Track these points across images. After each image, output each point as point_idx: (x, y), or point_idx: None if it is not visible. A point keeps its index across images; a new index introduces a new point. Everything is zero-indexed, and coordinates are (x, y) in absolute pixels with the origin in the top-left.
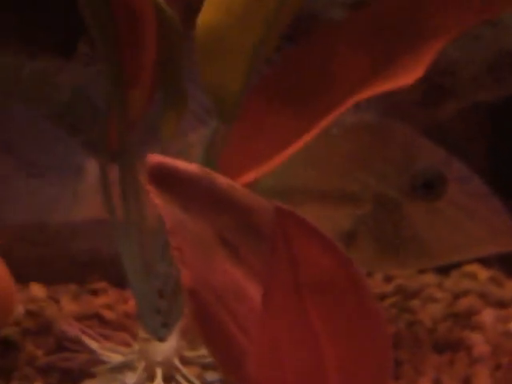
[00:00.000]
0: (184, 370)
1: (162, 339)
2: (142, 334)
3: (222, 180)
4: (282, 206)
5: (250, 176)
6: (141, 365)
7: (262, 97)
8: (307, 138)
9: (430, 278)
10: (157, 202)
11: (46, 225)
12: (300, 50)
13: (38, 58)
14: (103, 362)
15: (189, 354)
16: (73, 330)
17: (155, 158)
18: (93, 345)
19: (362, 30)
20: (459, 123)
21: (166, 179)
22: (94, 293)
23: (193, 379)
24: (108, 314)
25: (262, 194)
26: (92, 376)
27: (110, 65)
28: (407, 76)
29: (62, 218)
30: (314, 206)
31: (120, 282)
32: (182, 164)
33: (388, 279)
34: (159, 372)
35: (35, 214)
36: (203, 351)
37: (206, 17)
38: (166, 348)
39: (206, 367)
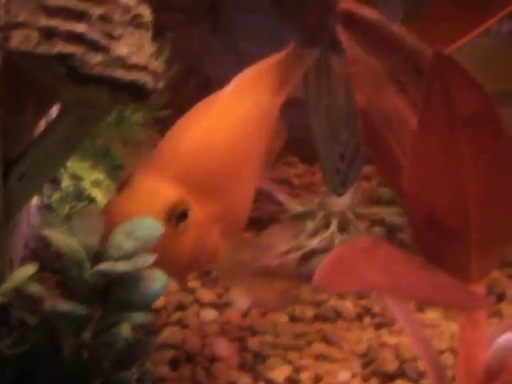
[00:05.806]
0: (356, 221)
1: (339, 195)
2: (323, 189)
3: (396, 27)
4: (441, 51)
5: None
6: (319, 214)
7: None
8: None
9: None
10: (342, 39)
11: None
12: None
13: None
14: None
15: (360, 210)
16: (267, 186)
17: (345, 5)
18: (281, 197)
19: None
20: None
21: (351, 22)
22: (287, 164)
23: (362, 230)
24: (296, 181)
25: None
26: (277, 222)
27: None
28: None
29: None
30: None
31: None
32: (366, 11)
33: None
34: (334, 222)
35: None
36: (373, 209)
37: None
38: (342, 202)
39: (374, 222)
